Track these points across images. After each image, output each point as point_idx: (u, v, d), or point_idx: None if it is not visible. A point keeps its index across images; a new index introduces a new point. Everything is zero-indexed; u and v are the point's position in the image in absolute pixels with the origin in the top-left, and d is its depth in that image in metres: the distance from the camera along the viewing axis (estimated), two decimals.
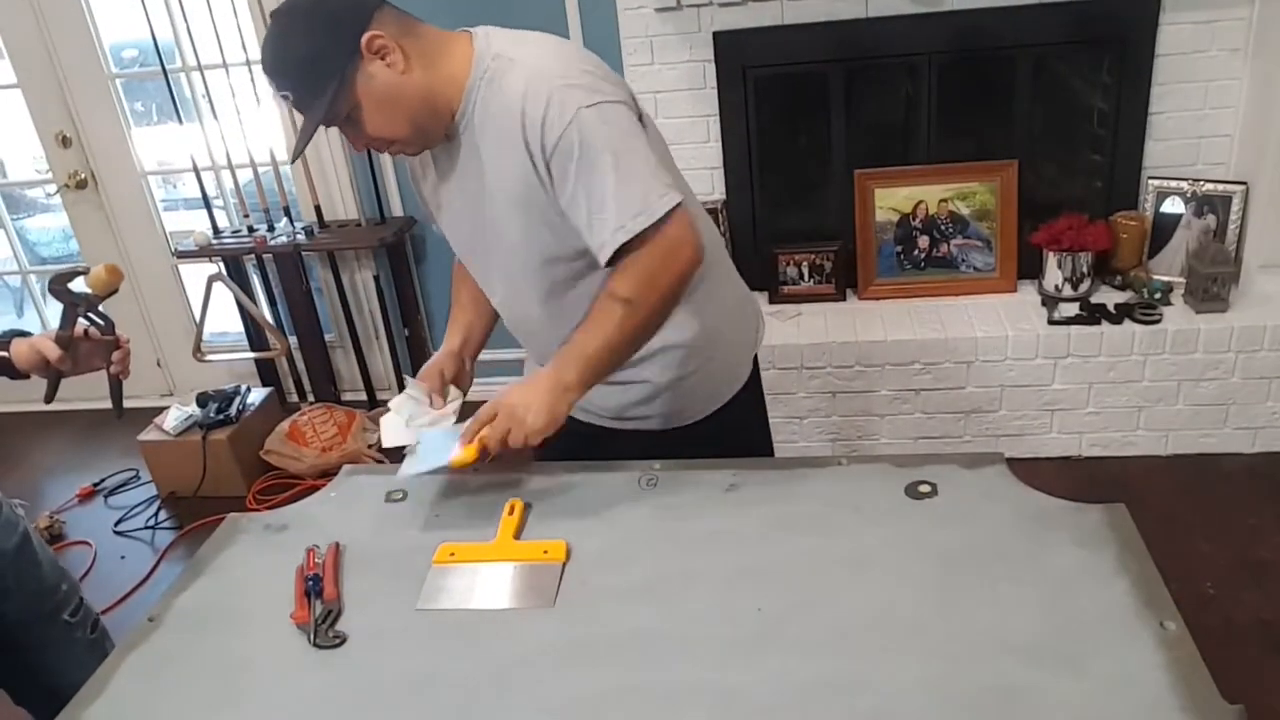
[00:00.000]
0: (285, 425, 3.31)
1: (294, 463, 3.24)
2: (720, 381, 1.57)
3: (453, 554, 1.30)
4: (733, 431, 1.59)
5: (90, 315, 1.42)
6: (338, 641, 1.18)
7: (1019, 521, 1.26)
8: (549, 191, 1.31)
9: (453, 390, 1.53)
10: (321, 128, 1.31)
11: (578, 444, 1.50)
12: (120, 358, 1.47)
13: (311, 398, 3.61)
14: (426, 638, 1.18)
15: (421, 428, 1.46)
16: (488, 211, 1.39)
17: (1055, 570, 1.16)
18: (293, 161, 1.24)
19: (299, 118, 1.31)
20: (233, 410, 3.28)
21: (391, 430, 1.47)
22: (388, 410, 1.49)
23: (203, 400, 3.28)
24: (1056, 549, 1.19)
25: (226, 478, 3.19)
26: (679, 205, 1.28)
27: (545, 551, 1.28)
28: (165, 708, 1.12)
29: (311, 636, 1.19)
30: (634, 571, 1.25)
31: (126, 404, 1.53)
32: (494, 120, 1.31)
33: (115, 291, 1.44)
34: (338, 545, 1.35)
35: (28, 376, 1.45)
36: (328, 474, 3.04)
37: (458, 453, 1.34)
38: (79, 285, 1.42)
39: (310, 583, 1.26)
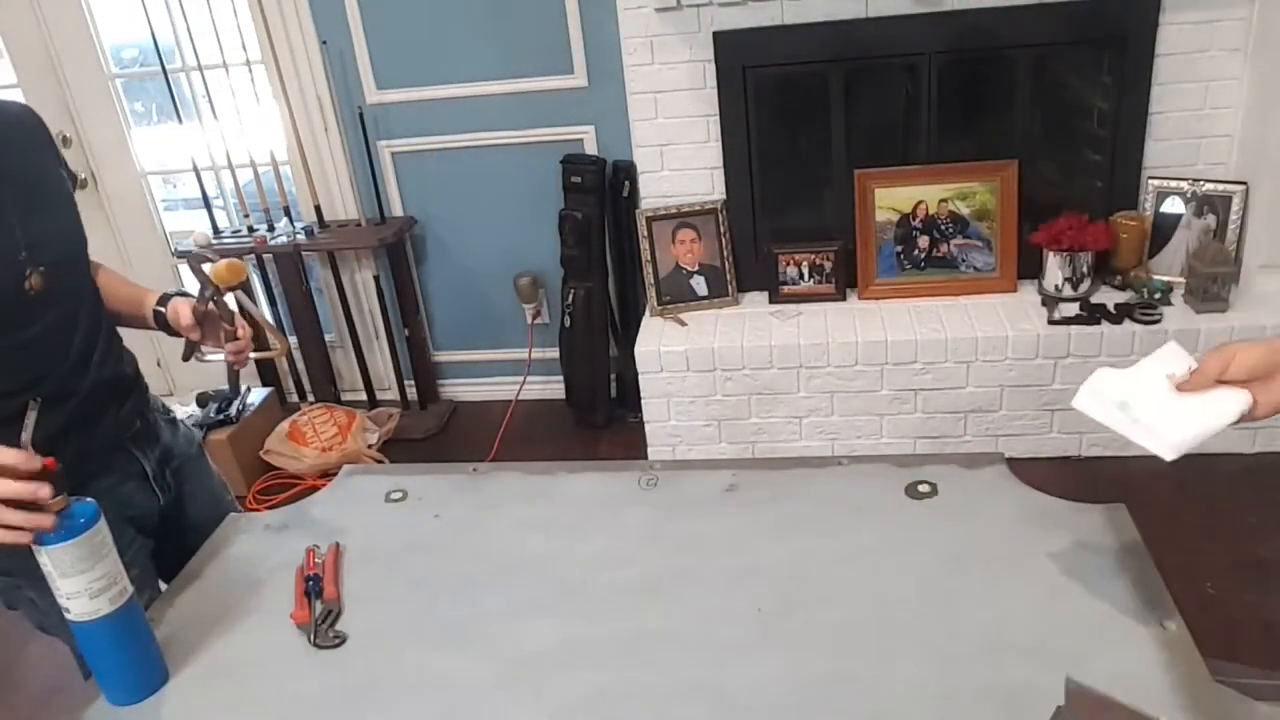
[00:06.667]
0: (285, 425, 3.31)
1: (294, 463, 3.24)
2: None
3: None
4: None
5: (215, 300, 1.43)
6: (338, 641, 1.18)
7: (1019, 521, 1.26)
8: None
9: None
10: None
11: None
12: (234, 348, 1.47)
13: (311, 398, 3.61)
14: (426, 638, 1.18)
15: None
16: None
17: (1055, 570, 1.16)
18: None
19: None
20: (233, 410, 3.27)
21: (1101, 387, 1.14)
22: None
23: (203, 400, 3.28)
24: (1056, 549, 1.19)
25: (226, 477, 3.15)
26: None
27: None
28: (165, 708, 1.12)
29: (311, 636, 1.19)
30: (634, 571, 1.25)
31: None
32: None
33: (235, 287, 1.44)
34: (338, 545, 1.35)
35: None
36: (328, 474, 3.06)
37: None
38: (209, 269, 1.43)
39: (310, 583, 1.27)
